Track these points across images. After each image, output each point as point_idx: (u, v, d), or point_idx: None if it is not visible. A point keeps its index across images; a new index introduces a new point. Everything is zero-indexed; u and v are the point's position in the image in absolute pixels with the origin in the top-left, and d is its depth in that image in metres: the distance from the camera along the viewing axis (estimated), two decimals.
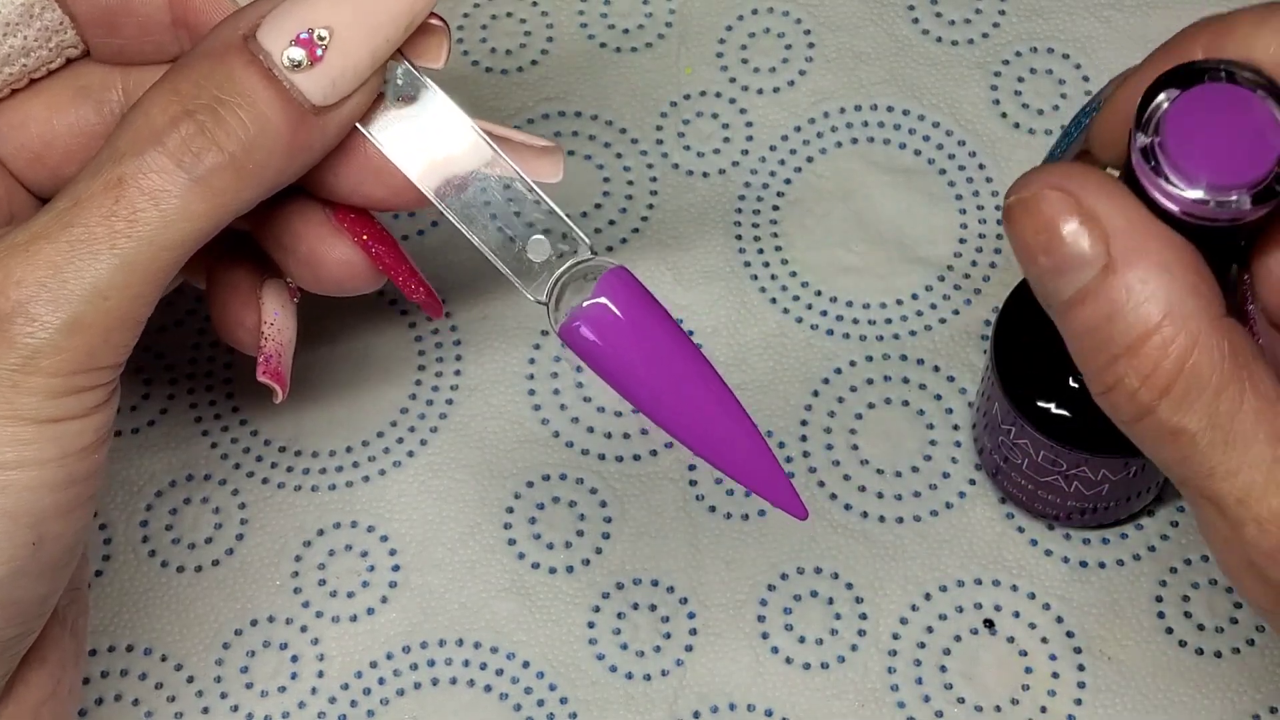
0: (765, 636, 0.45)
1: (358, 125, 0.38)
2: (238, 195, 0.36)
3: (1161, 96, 0.36)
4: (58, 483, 0.35)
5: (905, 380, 0.48)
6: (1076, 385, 0.41)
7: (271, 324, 0.41)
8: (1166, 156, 0.35)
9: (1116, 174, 0.36)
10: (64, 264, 0.34)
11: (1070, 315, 0.36)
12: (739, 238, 0.50)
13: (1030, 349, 0.43)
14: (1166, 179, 0.35)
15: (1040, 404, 0.43)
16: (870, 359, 0.49)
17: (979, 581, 0.46)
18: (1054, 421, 0.43)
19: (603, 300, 0.38)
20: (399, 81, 0.38)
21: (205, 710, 0.44)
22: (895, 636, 0.45)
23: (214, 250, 0.40)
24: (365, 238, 0.40)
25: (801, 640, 0.45)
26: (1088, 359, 0.36)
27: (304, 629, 0.45)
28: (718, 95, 0.52)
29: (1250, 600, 0.35)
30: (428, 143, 0.38)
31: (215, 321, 0.42)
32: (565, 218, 0.38)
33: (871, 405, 0.48)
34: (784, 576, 0.46)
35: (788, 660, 0.45)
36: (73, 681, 0.39)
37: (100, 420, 0.36)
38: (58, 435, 0.35)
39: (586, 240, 0.39)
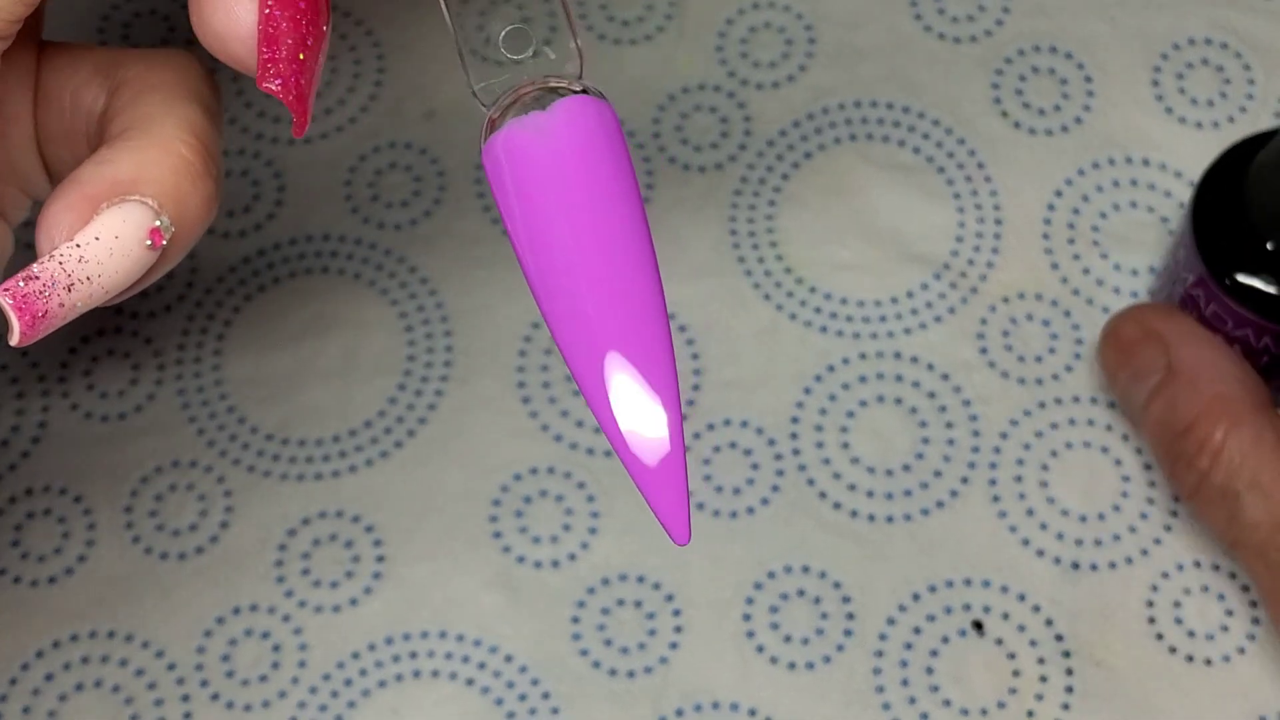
0: (751, 635, 0.45)
1: None
2: None
3: None
4: None
5: (899, 378, 0.48)
6: (1271, 248, 0.43)
7: (80, 246, 0.29)
8: None
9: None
10: None
11: (1146, 414, 0.44)
12: (734, 233, 0.50)
13: (1227, 211, 0.44)
14: None
15: (1226, 260, 0.43)
16: (864, 356, 0.48)
17: (969, 582, 0.45)
18: (1238, 284, 0.43)
19: (549, 126, 0.27)
20: None
21: (185, 698, 0.44)
22: (882, 637, 0.45)
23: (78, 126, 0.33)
24: None
25: (787, 639, 0.45)
26: (1159, 444, 0.44)
27: (286, 618, 0.45)
28: (716, 89, 0.52)
29: None
30: None
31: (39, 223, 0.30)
32: (570, 19, 0.29)
33: (864, 403, 0.47)
34: (771, 575, 0.45)
35: (773, 659, 0.44)
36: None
37: None
38: None
39: (579, 54, 0.29)
